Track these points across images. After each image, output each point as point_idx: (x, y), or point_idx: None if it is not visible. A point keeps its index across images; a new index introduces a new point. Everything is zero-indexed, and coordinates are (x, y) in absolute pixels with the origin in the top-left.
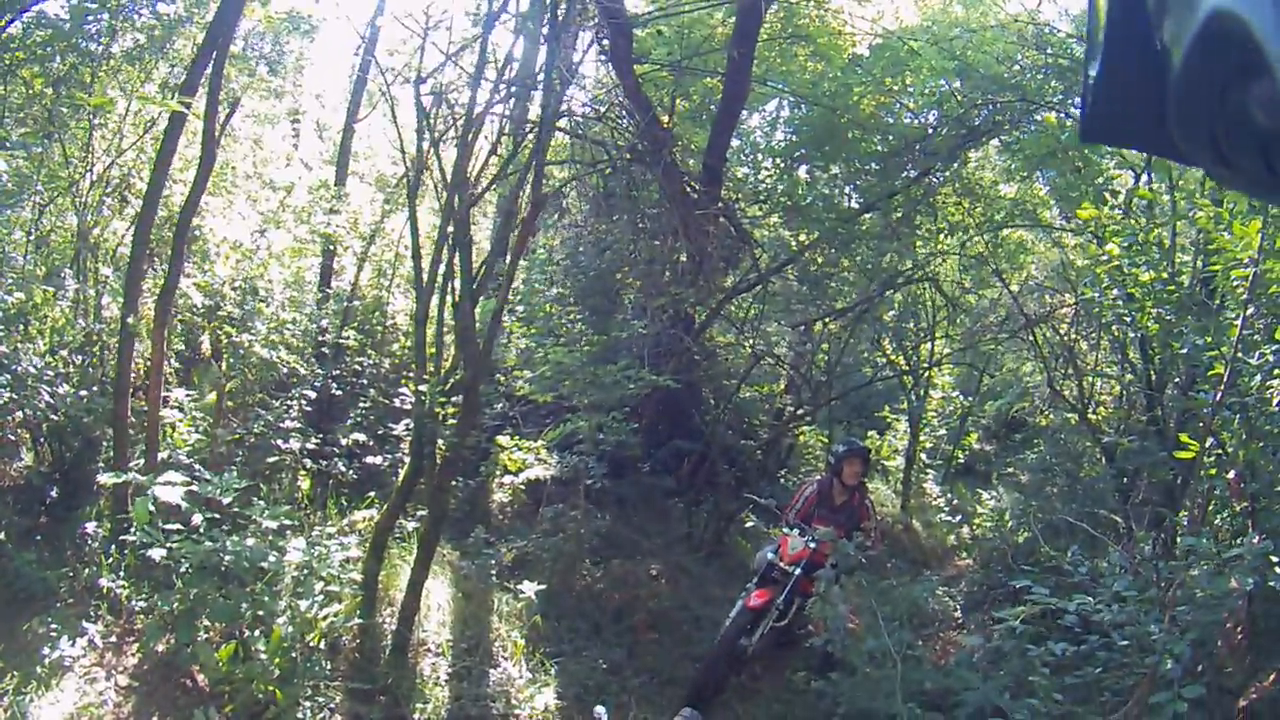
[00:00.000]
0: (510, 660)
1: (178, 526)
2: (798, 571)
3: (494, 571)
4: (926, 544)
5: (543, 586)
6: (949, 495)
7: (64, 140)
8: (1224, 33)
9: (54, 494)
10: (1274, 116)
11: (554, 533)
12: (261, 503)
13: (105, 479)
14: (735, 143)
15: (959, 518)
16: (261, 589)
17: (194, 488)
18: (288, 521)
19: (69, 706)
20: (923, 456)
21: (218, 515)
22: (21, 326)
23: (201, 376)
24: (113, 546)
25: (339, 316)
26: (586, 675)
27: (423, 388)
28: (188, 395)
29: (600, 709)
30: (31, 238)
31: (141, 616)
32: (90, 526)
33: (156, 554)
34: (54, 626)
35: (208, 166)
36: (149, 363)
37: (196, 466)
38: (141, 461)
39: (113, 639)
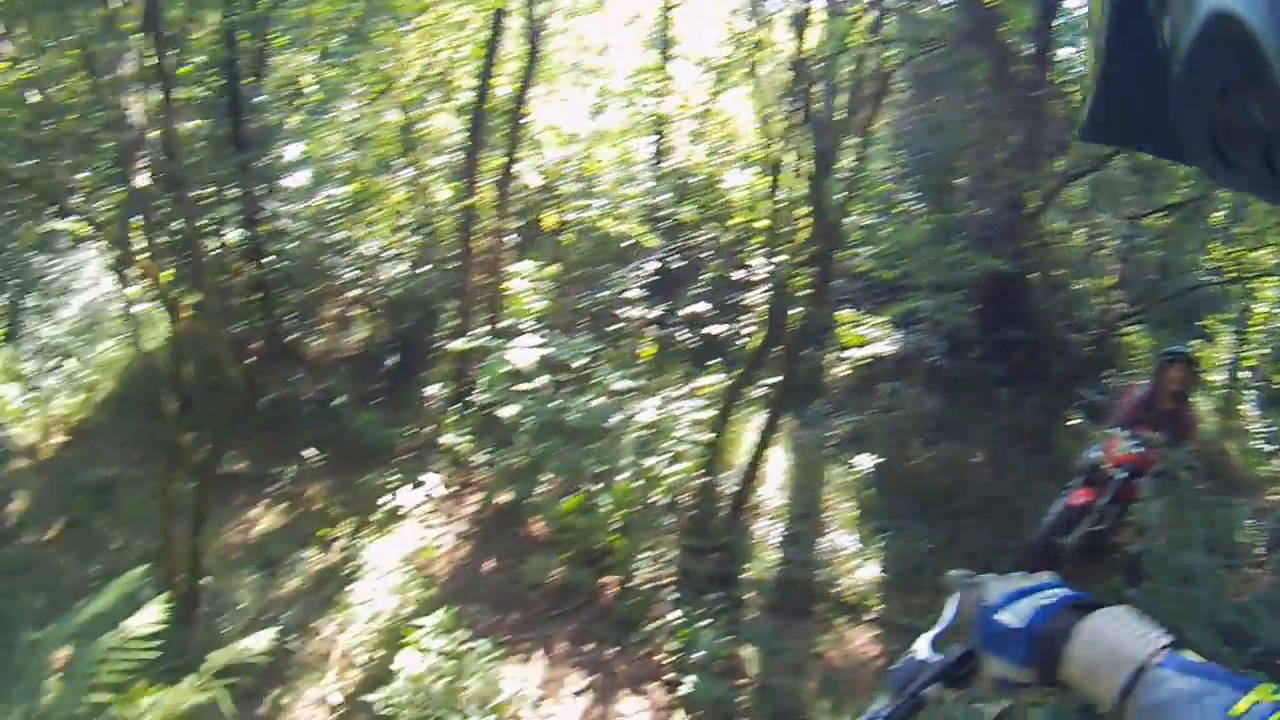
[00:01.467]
0: (839, 531)
1: (526, 387)
2: (1123, 475)
3: (830, 443)
4: (1239, 469)
5: (880, 460)
6: (1268, 421)
7: (376, 46)
8: (1224, 33)
9: (392, 362)
10: (1274, 117)
11: (890, 409)
12: (608, 365)
13: (457, 344)
14: (1058, 22)
15: (1276, 447)
16: (603, 446)
17: (546, 350)
18: (634, 384)
19: (406, 548)
20: (1245, 375)
21: (563, 378)
22: (358, 213)
23: (541, 252)
24: (454, 407)
25: (674, 193)
26: (909, 553)
27: (779, 258)
28: (532, 266)
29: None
30: (352, 137)
31: (482, 470)
32: (433, 389)
33: (506, 412)
34: (394, 478)
35: (533, 55)
36: (489, 240)
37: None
38: (486, 330)
39: (453, 490)
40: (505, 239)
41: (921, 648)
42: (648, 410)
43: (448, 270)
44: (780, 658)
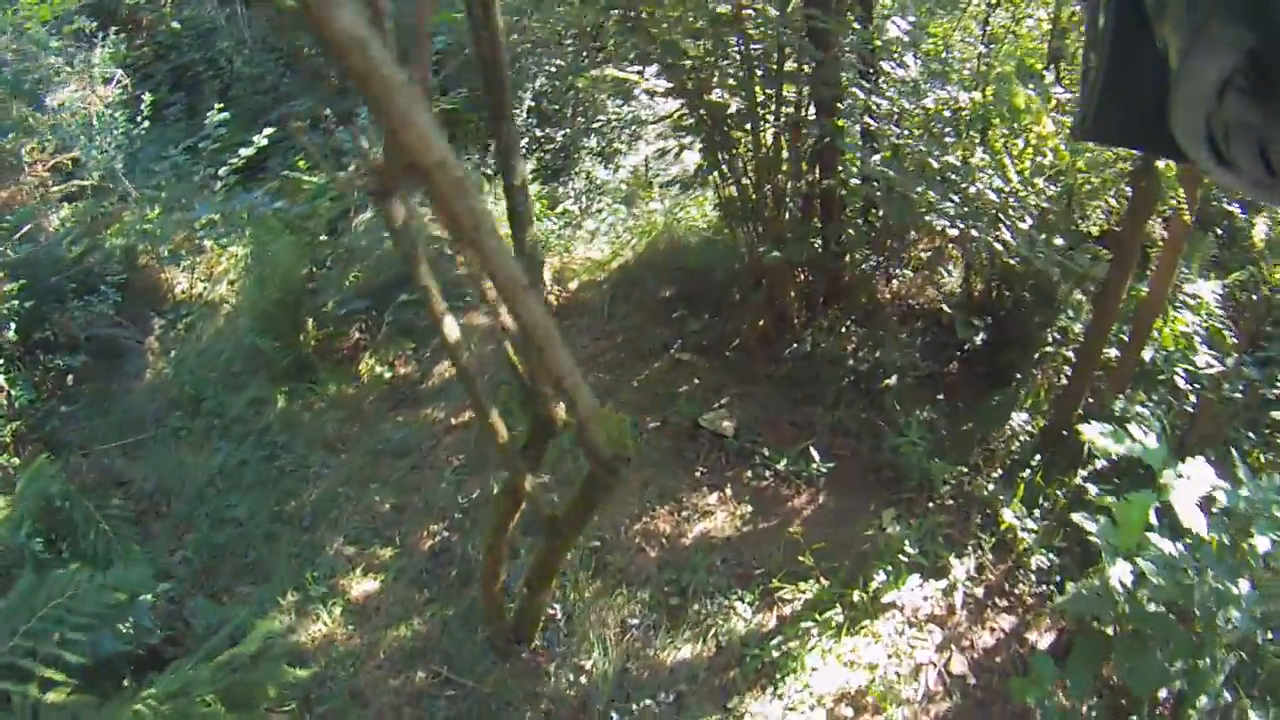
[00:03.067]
0: None
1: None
2: None
3: None
4: None
5: None
6: None
7: None
8: (1223, 32)
9: (974, 347)
10: (1272, 117)
11: None
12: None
13: (1091, 432)
14: None
15: None
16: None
17: (1221, 489)
18: None
19: (854, 675)
20: None
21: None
22: (977, 136)
23: (1193, 247)
24: (1036, 459)
25: None
26: None
27: None
28: (1209, 285)
29: None
30: (985, 34)
31: (1030, 584)
32: (1018, 419)
33: (1121, 573)
34: (906, 544)
35: None
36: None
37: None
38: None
39: (979, 592)
40: (1182, 229)
41: None
42: None
43: (1088, 246)
44: None
